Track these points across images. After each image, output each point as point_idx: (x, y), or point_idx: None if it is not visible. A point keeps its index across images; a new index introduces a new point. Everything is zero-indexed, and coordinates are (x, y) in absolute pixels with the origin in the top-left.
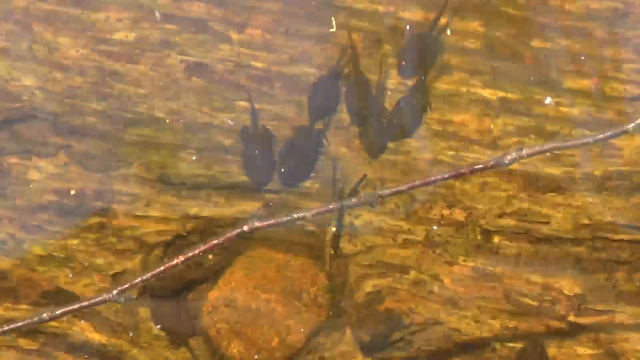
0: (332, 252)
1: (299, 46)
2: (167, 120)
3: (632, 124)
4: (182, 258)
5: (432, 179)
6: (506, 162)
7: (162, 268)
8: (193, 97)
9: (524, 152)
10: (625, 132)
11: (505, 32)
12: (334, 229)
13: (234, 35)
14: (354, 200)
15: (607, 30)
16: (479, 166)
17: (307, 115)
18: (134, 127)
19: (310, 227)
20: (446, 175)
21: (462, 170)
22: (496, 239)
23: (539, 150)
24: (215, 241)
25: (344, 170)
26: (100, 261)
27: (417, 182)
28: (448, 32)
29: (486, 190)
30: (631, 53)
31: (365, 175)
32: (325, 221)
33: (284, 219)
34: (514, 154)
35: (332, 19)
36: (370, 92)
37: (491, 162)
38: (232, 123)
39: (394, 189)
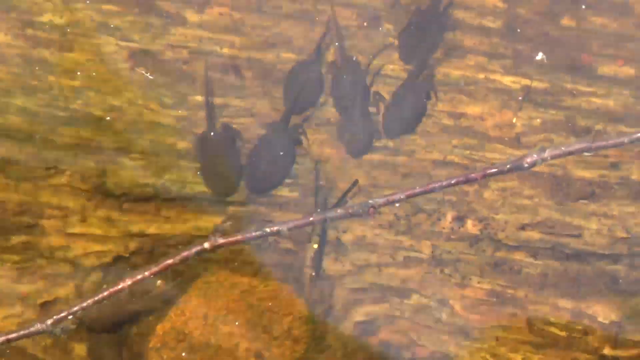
0: (313, 273)
1: (275, 27)
2: (107, 119)
3: None
4: (129, 282)
5: (435, 185)
6: (526, 165)
7: (104, 294)
8: (138, 91)
9: (547, 153)
10: None
11: (529, 9)
12: (315, 245)
13: (192, 16)
14: (339, 211)
15: None
16: (493, 170)
17: (283, 110)
18: (66, 127)
19: (286, 244)
20: (453, 182)
21: (473, 175)
22: (518, 256)
23: (564, 151)
24: (169, 261)
25: (330, 176)
26: (25, 288)
27: (418, 190)
28: (461, 7)
29: (506, 197)
30: None
31: (356, 181)
32: (305, 237)
33: (254, 233)
34: (534, 155)
35: None
36: (362, 80)
37: (508, 166)
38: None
39: (389, 198)
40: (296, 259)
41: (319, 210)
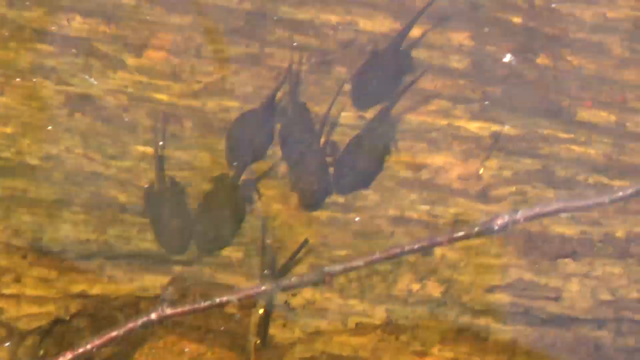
0: (259, 341)
1: (217, 72)
2: (44, 169)
3: None
4: (69, 355)
5: (397, 250)
6: (496, 227)
7: None
8: (77, 139)
9: (520, 215)
10: None
11: (502, 47)
12: (261, 310)
13: (130, 60)
14: (293, 279)
15: (628, 47)
16: (460, 234)
17: (227, 163)
18: None
19: (231, 309)
20: (416, 247)
21: (438, 239)
22: (484, 321)
23: (539, 213)
24: (113, 333)
25: (277, 234)
26: None
27: (378, 256)
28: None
29: (471, 256)
30: None
31: (306, 241)
32: (251, 301)
33: (202, 304)
34: (506, 217)
35: None
36: (313, 128)
37: (476, 229)
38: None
39: (346, 265)
40: (241, 325)
41: (266, 271)
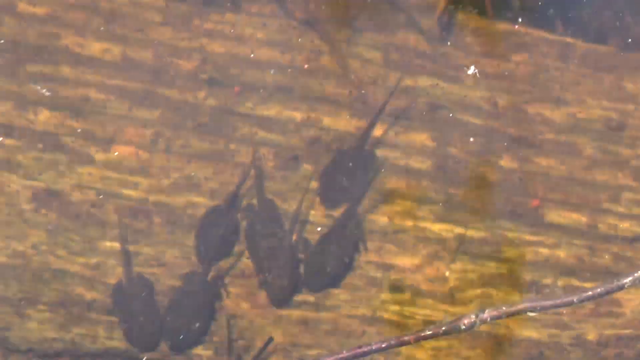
0: None
1: (185, 168)
2: (10, 266)
3: (630, 278)
4: None
5: (365, 349)
6: (463, 327)
7: None
8: (43, 235)
9: (486, 314)
10: (621, 288)
11: (462, 148)
12: None
13: (98, 155)
14: None
15: (599, 148)
16: (427, 333)
17: (195, 260)
18: None
19: None
20: (383, 345)
21: (405, 338)
22: None
23: (506, 312)
24: None
25: (245, 333)
26: None
27: (346, 354)
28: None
29: (441, 357)
30: (630, 178)
31: (270, 339)
32: None
33: None
34: (472, 316)
35: None
36: (281, 226)
37: (443, 328)
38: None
39: None
40: None
41: None
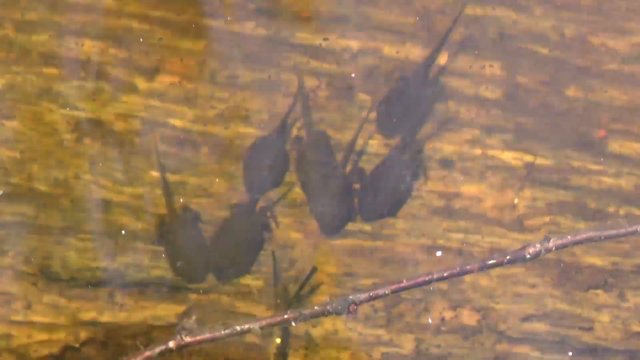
0: None
1: (232, 98)
2: (52, 195)
3: None
4: None
5: (426, 278)
6: (528, 256)
7: None
8: (86, 165)
9: (551, 243)
10: None
11: (532, 78)
12: (278, 340)
13: (142, 83)
14: (317, 308)
15: None
16: (491, 261)
17: (244, 190)
18: (7, 204)
19: (251, 338)
20: (445, 274)
21: (469, 267)
22: (522, 349)
23: (570, 241)
24: None
25: (296, 263)
26: None
27: (405, 283)
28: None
29: (508, 285)
30: None
31: (315, 269)
32: (268, 330)
33: (224, 332)
34: (537, 245)
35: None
36: (333, 156)
37: (508, 257)
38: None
39: (371, 293)
40: (261, 354)
41: (279, 301)
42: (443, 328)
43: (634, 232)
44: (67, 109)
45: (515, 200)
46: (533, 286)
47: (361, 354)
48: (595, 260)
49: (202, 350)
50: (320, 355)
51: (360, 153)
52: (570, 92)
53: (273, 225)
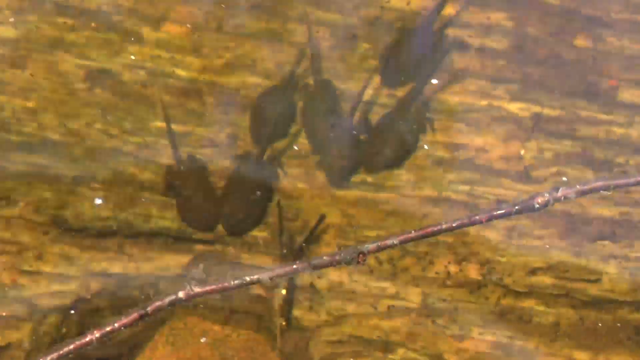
0: (284, 323)
1: (239, 47)
2: (64, 145)
3: None
4: (97, 334)
5: (435, 228)
6: (537, 206)
7: (70, 347)
8: (97, 114)
9: (561, 192)
10: None
11: (539, 28)
12: (284, 291)
13: (148, 33)
14: (325, 258)
15: None
16: (500, 212)
17: (250, 141)
18: (19, 153)
19: (256, 290)
20: (454, 224)
21: (477, 217)
22: (527, 303)
23: (580, 190)
24: (141, 312)
25: (302, 214)
26: None
27: (414, 234)
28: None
29: (513, 237)
30: None
31: (323, 217)
32: (274, 282)
33: (233, 282)
34: (546, 195)
35: None
36: (339, 106)
37: (516, 207)
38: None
39: (380, 243)
40: (267, 306)
41: (285, 251)
42: (449, 282)
43: None
44: (80, 59)
45: (522, 152)
46: (539, 238)
47: (366, 306)
48: (604, 210)
49: (207, 303)
50: (325, 307)
51: (368, 104)
52: (579, 41)
53: (280, 175)
